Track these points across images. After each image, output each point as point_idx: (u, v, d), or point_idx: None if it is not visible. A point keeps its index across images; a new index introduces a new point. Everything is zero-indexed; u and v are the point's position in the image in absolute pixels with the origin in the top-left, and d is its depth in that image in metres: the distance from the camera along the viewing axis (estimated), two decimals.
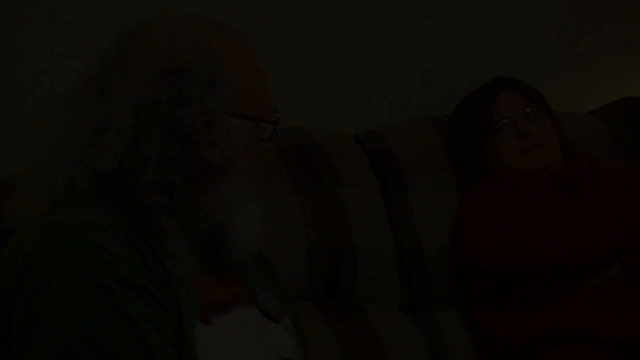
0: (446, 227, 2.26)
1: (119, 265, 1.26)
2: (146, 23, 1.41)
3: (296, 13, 2.44)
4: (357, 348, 2.10)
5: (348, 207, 2.19)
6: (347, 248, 2.17)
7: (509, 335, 2.13)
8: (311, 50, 2.46)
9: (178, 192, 1.33)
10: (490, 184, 2.27)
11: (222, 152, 1.36)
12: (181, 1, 1.98)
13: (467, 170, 2.32)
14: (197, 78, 1.34)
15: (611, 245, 2.11)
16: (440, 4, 2.59)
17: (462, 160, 2.33)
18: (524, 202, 2.20)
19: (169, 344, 1.27)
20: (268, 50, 2.39)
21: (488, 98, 2.31)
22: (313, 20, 2.46)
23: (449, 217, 2.27)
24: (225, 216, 1.38)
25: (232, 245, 1.40)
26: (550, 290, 2.12)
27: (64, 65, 2.11)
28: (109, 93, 1.36)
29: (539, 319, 2.10)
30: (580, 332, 2.06)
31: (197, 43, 1.37)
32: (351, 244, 2.17)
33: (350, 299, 2.18)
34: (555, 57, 2.71)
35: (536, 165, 2.27)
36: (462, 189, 2.30)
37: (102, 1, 2.21)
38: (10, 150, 2.03)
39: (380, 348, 2.13)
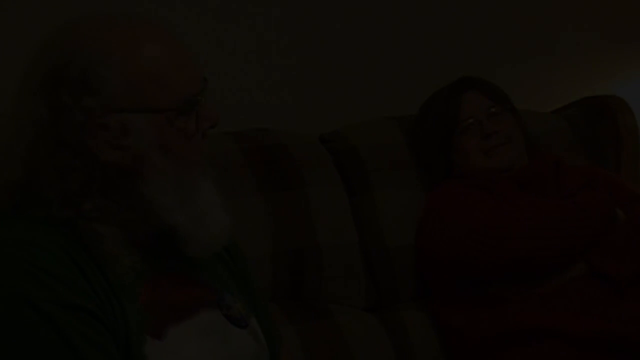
0: (411, 226, 2.26)
1: (59, 286, 1.22)
2: (52, 28, 1.35)
3: (262, 14, 2.43)
4: (322, 349, 2.09)
5: (313, 207, 2.19)
6: (312, 248, 2.16)
7: (474, 333, 2.14)
8: (277, 51, 2.46)
9: (87, 200, 1.28)
10: (454, 183, 2.27)
11: (126, 152, 1.30)
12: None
13: (432, 169, 2.32)
14: (71, 81, 1.28)
15: (574, 243, 2.12)
16: (406, 2, 2.58)
17: (427, 160, 2.33)
18: (488, 200, 2.20)
19: None
20: (233, 50, 2.39)
21: (453, 98, 2.32)
22: (279, 21, 2.45)
23: (414, 217, 2.26)
24: (161, 214, 1.31)
25: (181, 243, 1.34)
26: (516, 288, 2.13)
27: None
28: (16, 108, 1.32)
29: (504, 316, 2.11)
30: (546, 329, 2.06)
31: (75, 44, 1.30)
32: (316, 244, 2.16)
33: (315, 300, 2.17)
34: (520, 57, 2.72)
35: (501, 165, 2.27)
36: (427, 189, 2.30)
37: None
38: None
39: (346, 349, 2.12)
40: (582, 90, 2.70)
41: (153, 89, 1.30)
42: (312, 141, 2.30)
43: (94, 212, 1.28)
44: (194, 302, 1.36)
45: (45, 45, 1.32)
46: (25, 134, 1.29)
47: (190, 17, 2.34)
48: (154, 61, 1.31)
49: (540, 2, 2.75)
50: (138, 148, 1.30)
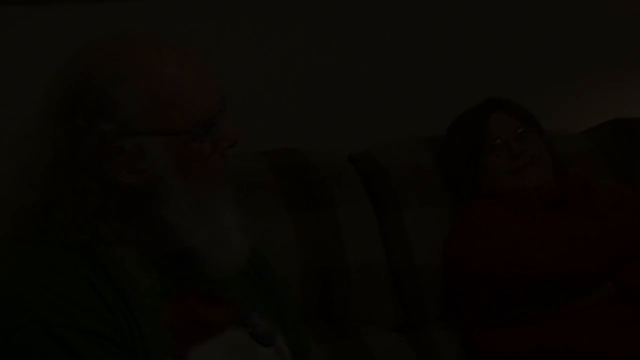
0: (439, 246, 2.26)
1: (76, 311, 1.22)
2: (72, 51, 1.35)
3: (290, 34, 2.45)
4: None
5: (342, 227, 2.19)
6: (341, 268, 2.17)
7: (502, 352, 2.13)
8: (305, 71, 2.47)
9: (105, 223, 1.28)
10: (483, 203, 2.27)
11: (143, 175, 1.29)
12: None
13: (460, 189, 2.33)
14: (86, 105, 1.28)
15: (603, 263, 2.11)
16: (435, 25, 2.60)
17: (455, 180, 2.33)
18: (516, 220, 2.20)
19: None
20: (262, 70, 2.41)
21: (481, 118, 2.32)
22: (308, 42, 2.47)
23: (442, 236, 2.27)
24: (180, 236, 1.31)
25: (203, 263, 1.33)
26: (544, 308, 2.13)
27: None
28: (35, 131, 1.33)
29: (533, 336, 2.10)
30: (574, 351, 2.06)
31: (92, 68, 1.30)
32: (345, 264, 2.17)
33: (344, 319, 2.18)
34: (548, 79, 2.72)
35: (528, 184, 2.27)
36: (455, 208, 2.31)
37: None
38: None
39: None
40: (612, 112, 2.70)
41: (168, 111, 1.30)
42: (341, 161, 2.31)
43: (111, 235, 1.29)
44: (218, 321, 1.36)
45: (64, 69, 1.33)
46: (44, 158, 1.30)
47: (219, 36, 2.36)
48: (169, 84, 1.30)
49: (570, 25, 2.75)
50: (154, 171, 1.29)
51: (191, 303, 1.35)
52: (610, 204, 2.26)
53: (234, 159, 1.41)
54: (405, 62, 2.57)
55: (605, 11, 2.78)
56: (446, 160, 2.36)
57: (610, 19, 2.78)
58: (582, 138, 2.59)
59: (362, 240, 2.22)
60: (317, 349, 2.04)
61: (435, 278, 2.26)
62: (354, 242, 2.20)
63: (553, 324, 2.11)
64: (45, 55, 2.09)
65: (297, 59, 2.46)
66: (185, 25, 2.30)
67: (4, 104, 2.14)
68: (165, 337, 1.29)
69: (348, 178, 2.28)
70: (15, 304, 1.23)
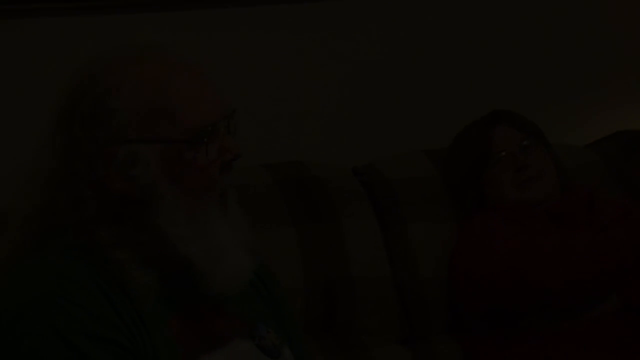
0: (444, 258, 2.26)
1: (88, 319, 1.23)
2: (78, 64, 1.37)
3: (295, 46, 2.45)
4: None
5: (346, 240, 2.19)
6: (345, 280, 2.16)
7: None
8: (310, 84, 2.47)
9: (102, 227, 1.29)
10: (487, 216, 2.27)
11: (135, 182, 1.30)
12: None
13: (465, 202, 2.32)
14: (82, 114, 1.30)
15: (608, 277, 2.11)
16: (439, 37, 2.60)
17: (459, 193, 2.33)
18: (520, 234, 2.20)
19: None
20: (266, 83, 2.42)
21: (485, 131, 2.32)
22: (312, 54, 2.47)
23: (447, 249, 2.26)
24: (175, 245, 1.31)
25: (198, 278, 1.33)
26: (548, 323, 2.12)
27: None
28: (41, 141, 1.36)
29: (536, 352, 2.10)
30: None
31: (90, 78, 1.32)
32: (349, 277, 2.17)
33: (348, 332, 2.17)
34: (553, 90, 2.72)
35: (533, 198, 2.27)
36: (459, 221, 2.30)
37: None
38: None
39: None
40: (616, 124, 2.70)
41: (162, 120, 1.30)
42: (345, 174, 2.32)
43: (109, 238, 1.29)
44: (225, 333, 1.36)
45: (70, 80, 1.35)
46: (46, 166, 1.32)
47: (222, 47, 2.36)
48: (164, 93, 1.31)
49: (575, 37, 2.75)
50: (146, 178, 1.30)
51: (197, 314, 1.35)
52: (615, 217, 2.26)
53: (238, 171, 1.41)
54: (410, 75, 2.57)
55: (611, 23, 2.78)
56: (450, 173, 2.35)
57: (616, 31, 2.78)
58: (587, 151, 2.59)
59: (367, 252, 2.22)
60: None
61: (440, 291, 2.26)
62: (359, 254, 2.20)
63: (557, 338, 2.10)
64: (49, 67, 2.11)
65: (301, 71, 2.46)
66: (188, 37, 2.30)
67: (11, 112, 2.14)
68: (173, 346, 1.29)
69: (352, 191, 2.28)
70: (26, 310, 1.23)
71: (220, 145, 1.34)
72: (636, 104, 2.80)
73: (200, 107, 1.33)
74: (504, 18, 2.67)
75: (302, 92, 2.47)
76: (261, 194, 2.17)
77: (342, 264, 2.17)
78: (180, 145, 1.31)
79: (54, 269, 1.27)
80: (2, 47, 2.16)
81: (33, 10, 2.17)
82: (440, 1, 2.60)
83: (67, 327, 1.22)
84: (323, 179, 2.25)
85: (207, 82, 1.35)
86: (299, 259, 2.13)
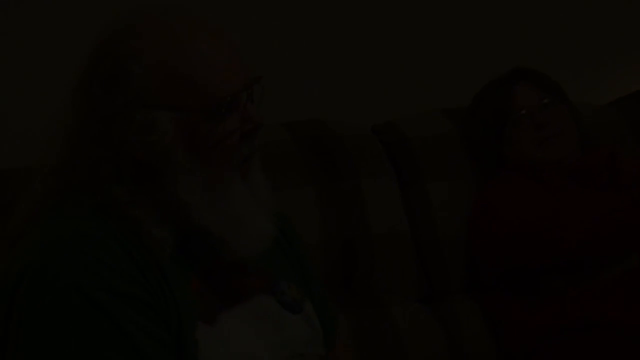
0: (463, 217, 2.25)
1: (109, 274, 1.23)
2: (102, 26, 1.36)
3: (314, 5, 2.44)
4: (373, 339, 2.10)
5: (365, 198, 2.19)
6: (364, 239, 2.17)
7: (527, 325, 2.13)
8: (329, 42, 2.46)
9: (119, 186, 1.29)
10: (507, 175, 2.26)
11: (152, 148, 1.29)
12: None
13: (484, 161, 2.32)
14: (103, 75, 1.29)
15: (628, 235, 2.10)
16: None
17: (478, 152, 2.32)
18: (541, 192, 2.19)
19: (168, 352, 1.23)
20: (286, 42, 2.41)
21: (505, 89, 2.31)
22: (330, 12, 2.46)
23: (466, 208, 2.26)
24: (191, 214, 1.30)
25: (217, 245, 1.32)
26: (569, 281, 2.12)
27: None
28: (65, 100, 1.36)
29: (557, 309, 2.10)
30: (600, 322, 2.06)
31: (113, 40, 1.31)
32: (368, 235, 2.17)
33: (367, 290, 2.18)
34: (574, 48, 2.70)
35: (553, 156, 2.26)
36: (478, 180, 2.30)
37: None
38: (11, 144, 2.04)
39: (397, 338, 2.13)
40: (638, 82, 2.68)
41: (182, 87, 1.29)
42: (364, 132, 2.31)
43: (126, 196, 1.29)
44: (246, 288, 1.37)
45: (95, 41, 1.34)
46: (67, 125, 1.32)
47: (241, 7, 2.35)
48: (186, 60, 1.29)
49: None
50: (162, 145, 1.29)
51: (218, 271, 1.35)
52: (636, 175, 2.25)
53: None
54: (430, 33, 2.56)
55: None
56: (470, 132, 2.34)
57: None
58: (608, 109, 2.57)
59: (386, 211, 2.21)
60: (341, 320, 2.04)
61: (458, 249, 2.26)
62: (378, 213, 2.19)
63: (576, 296, 2.10)
64: (75, 24, 2.11)
65: (321, 30, 2.45)
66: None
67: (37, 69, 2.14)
68: (194, 301, 1.29)
69: (372, 149, 2.27)
70: (50, 269, 1.24)
71: (241, 114, 1.32)
72: None
73: (223, 76, 1.31)
74: None
75: (321, 50, 2.46)
76: (280, 152, 2.17)
77: (361, 222, 2.17)
78: (198, 114, 1.30)
79: (75, 226, 1.27)
80: (24, 6, 2.15)
81: None
82: None
83: (88, 283, 1.22)
84: (342, 137, 2.24)
85: (232, 48, 1.33)
86: (318, 217, 2.13)
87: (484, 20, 2.60)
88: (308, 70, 2.44)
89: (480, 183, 2.29)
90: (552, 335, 2.10)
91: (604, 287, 2.10)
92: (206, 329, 1.28)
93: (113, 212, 1.29)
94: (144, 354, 1.21)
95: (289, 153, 2.17)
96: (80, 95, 1.32)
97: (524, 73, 2.33)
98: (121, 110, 1.29)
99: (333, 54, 2.47)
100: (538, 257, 2.12)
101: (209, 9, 1.44)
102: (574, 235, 2.10)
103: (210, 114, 1.30)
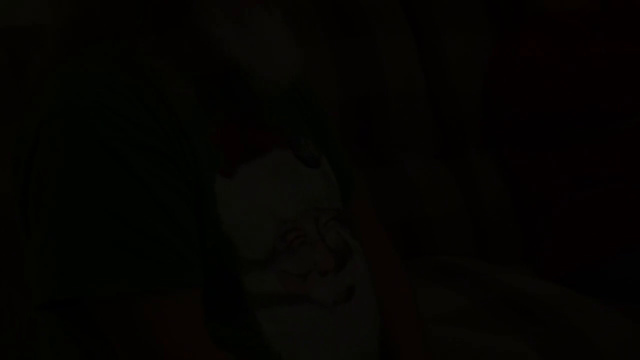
0: (480, 71, 2.24)
1: (127, 125, 1.21)
2: None
3: None
4: (390, 193, 2.12)
5: (380, 54, 2.17)
6: (380, 95, 2.16)
7: (545, 178, 2.14)
8: None
9: (140, 35, 1.25)
10: (526, 27, 2.23)
11: None
12: None
13: (502, 14, 2.29)
14: None
15: None
16: None
17: (496, 4, 2.29)
18: (560, 44, 2.17)
19: (186, 204, 1.23)
20: None
21: None
22: None
23: (483, 62, 2.24)
24: (220, 47, 1.26)
25: (247, 77, 1.29)
26: (586, 133, 2.12)
27: None
28: None
29: (571, 161, 2.11)
30: (615, 173, 2.07)
31: None
32: (384, 91, 2.16)
33: (382, 146, 2.18)
34: None
35: (573, 6, 2.22)
36: (496, 35, 2.27)
37: None
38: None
39: (414, 193, 2.14)
40: None
41: None
42: None
43: (147, 46, 1.26)
44: (265, 142, 1.35)
45: None
46: None
47: None
48: None
49: None
50: None
51: (237, 125, 1.34)
52: None
53: None
54: None
55: None
56: None
57: None
58: None
59: (402, 67, 2.20)
60: (358, 177, 2.05)
61: (475, 104, 2.25)
62: (393, 69, 2.18)
63: (592, 148, 2.11)
64: None
65: None
66: None
67: None
68: (213, 153, 1.28)
69: (387, 4, 2.24)
70: (69, 120, 1.22)
71: None
72: None
73: None
74: None
75: None
76: (295, 10, 2.14)
77: (376, 78, 2.16)
78: None
79: (92, 76, 1.25)
80: None
81: None
82: None
83: (106, 133, 1.20)
84: None
85: None
86: (334, 74, 2.12)
87: None
88: None
89: (499, 37, 2.26)
90: (572, 188, 2.11)
91: (619, 140, 2.10)
92: (225, 182, 1.28)
93: (133, 64, 1.26)
94: (162, 204, 1.21)
95: (302, 10, 2.14)
96: None
97: None
98: None
99: None
100: (555, 108, 2.11)
101: None
102: (590, 85, 2.08)
103: None
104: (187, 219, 1.23)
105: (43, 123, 1.23)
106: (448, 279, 1.96)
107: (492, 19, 2.29)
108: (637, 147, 2.09)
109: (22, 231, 1.27)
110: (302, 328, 1.29)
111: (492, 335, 1.74)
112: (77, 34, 1.29)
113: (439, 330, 1.67)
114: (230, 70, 1.31)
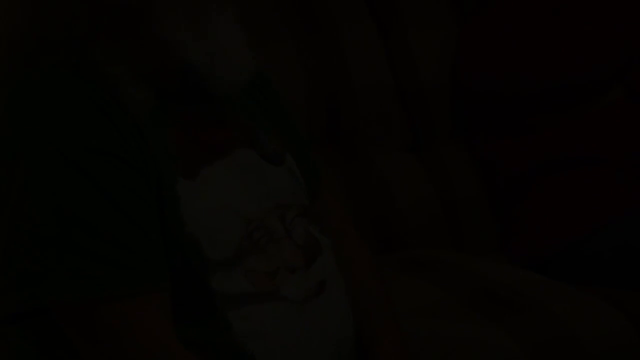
0: (446, 63, 2.23)
1: (86, 133, 1.21)
2: None
3: None
4: (361, 189, 2.11)
5: (346, 50, 2.17)
6: (347, 91, 2.15)
7: (514, 163, 2.14)
8: None
9: (95, 44, 1.25)
10: (487, 13, 2.22)
11: None
12: None
13: (466, 8, 2.28)
14: None
15: (612, 64, 2.09)
16: None
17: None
18: (522, 29, 2.16)
19: (147, 207, 1.23)
20: None
21: None
22: None
23: (448, 53, 2.24)
24: (176, 51, 1.27)
25: (203, 80, 1.30)
26: (554, 116, 2.12)
27: None
28: None
29: (542, 144, 2.11)
30: (585, 156, 2.07)
31: None
32: (351, 87, 2.15)
33: (352, 143, 2.17)
34: None
35: None
36: (459, 25, 2.26)
37: None
38: None
39: (386, 188, 2.14)
40: None
41: None
42: None
43: (103, 53, 1.26)
44: (226, 142, 1.35)
45: None
46: None
47: None
48: None
49: None
50: None
51: (197, 126, 1.34)
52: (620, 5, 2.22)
53: None
54: None
55: None
56: None
57: None
58: None
59: (368, 62, 2.19)
60: (326, 172, 2.04)
61: (442, 97, 2.24)
62: (359, 64, 2.17)
63: (562, 130, 2.11)
64: None
65: None
66: None
67: None
68: (173, 156, 1.28)
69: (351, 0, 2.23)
70: (21, 130, 1.22)
71: None
72: None
73: None
74: None
75: None
76: (258, 8, 2.13)
77: (343, 74, 2.15)
78: None
79: (47, 85, 1.25)
80: None
81: None
82: None
83: (63, 143, 1.20)
84: None
85: None
86: (299, 71, 2.11)
87: None
88: None
89: (463, 26, 2.26)
90: (547, 171, 2.10)
91: (588, 121, 2.10)
92: (187, 184, 1.27)
93: (89, 72, 1.26)
94: (121, 208, 1.21)
95: (265, 8, 2.13)
96: None
97: None
98: None
99: None
100: (521, 90, 2.11)
101: None
102: (554, 64, 2.08)
103: None
104: (148, 222, 1.23)
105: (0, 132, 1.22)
106: (423, 272, 1.96)
107: (457, 13, 2.28)
108: (611, 126, 2.09)
109: None
110: (274, 326, 1.28)
111: (471, 326, 1.73)
112: (31, 43, 1.28)
113: (415, 323, 1.65)
114: (186, 73, 1.30)
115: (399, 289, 1.75)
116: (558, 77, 2.09)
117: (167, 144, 1.28)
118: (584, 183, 2.06)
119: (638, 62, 2.10)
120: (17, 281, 1.19)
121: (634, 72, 2.11)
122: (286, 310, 1.29)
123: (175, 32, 1.27)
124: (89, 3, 1.26)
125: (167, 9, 1.27)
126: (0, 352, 1.30)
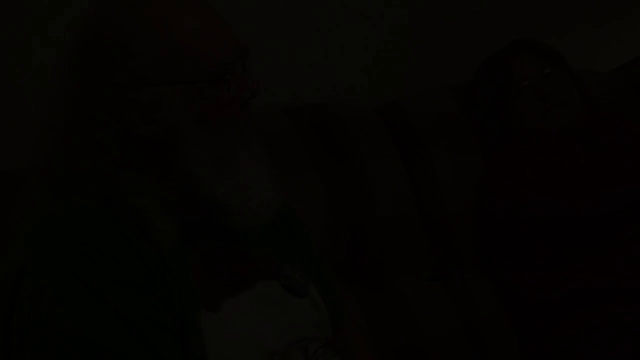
0: (470, 193, 2.24)
1: (109, 263, 1.23)
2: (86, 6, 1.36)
3: None
4: (387, 320, 2.09)
5: (371, 180, 2.18)
6: (372, 220, 2.15)
7: (540, 296, 2.12)
8: (328, 24, 2.44)
9: (123, 175, 1.28)
10: (512, 146, 2.24)
11: (159, 125, 1.29)
12: None
13: (489, 134, 2.30)
14: (101, 58, 1.29)
15: (637, 199, 2.09)
16: None
17: (483, 125, 2.31)
18: (547, 161, 2.17)
19: (171, 338, 1.23)
20: (286, 25, 2.38)
21: (506, 61, 2.29)
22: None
23: (473, 183, 2.24)
24: (201, 186, 1.30)
25: (226, 215, 1.33)
26: (579, 249, 2.11)
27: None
28: (54, 90, 1.35)
29: (570, 277, 2.09)
30: (611, 289, 2.04)
31: (106, 21, 1.31)
32: (376, 216, 2.15)
33: (378, 272, 2.16)
34: (576, 15, 2.68)
35: (558, 125, 2.24)
36: (484, 155, 2.28)
37: None
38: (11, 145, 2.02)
39: (412, 319, 2.11)
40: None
41: (182, 61, 1.30)
42: (367, 113, 2.29)
43: (131, 185, 1.29)
44: (250, 274, 1.36)
45: (79, 24, 1.34)
46: (62, 115, 1.31)
47: None
48: (182, 33, 1.30)
49: None
50: (170, 120, 1.29)
51: (221, 258, 1.35)
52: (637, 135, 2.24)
53: (257, 117, 1.40)
54: (429, 11, 2.54)
55: None
56: (474, 107, 2.33)
57: None
58: (613, 76, 2.55)
59: (393, 191, 2.20)
60: (351, 302, 2.03)
61: (468, 226, 2.24)
62: (384, 194, 2.18)
63: (589, 264, 2.09)
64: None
65: (319, 9, 2.43)
66: None
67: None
68: (197, 289, 1.29)
69: (375, 130, 2.26)
70: (49, 260, 1.23)
71: (238, 83, 1.34)
72: None
73: (218, 45, 1.33)
74: None
75: (320, 32, 2.44)
76: (282, 139, 2.15)
77: (368, 204, 2.16)
78: (202, 84, 1.31)
79: (74, 217, 1.27)
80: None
81: None
82: None
83: (89, 274, 1.22)
84: (345, 119, 2.22)
85: (220, 20, 1.35)
86: (325, 202, 2.12)
87: None
88: (309, 53, 2.42)
89: (487, 157, 2.27)
90: (564, 305, 2.08)
91: (613, 255, 2.08)
92: (210, 317, 1.28)
93: (116, 202, 1.28)
94: (145, 340, 1.21)
95: (290, 139, 2.16)
96: (76, 84, 1.31)
97: (523, 44, 2.32)
98: (123, 92, 1.29)
99: (334, 34, 2.45)
100: (546, 225, 2.11)
101: None
102: (581, 200, 2.08)
103: (214, 81, 1.31)
104: (172, 354, 1.23)
105: (25, 267, 1.24)
106: None
107: (481, 141, 2.30)
108: (630, 262, 2.07)
109: None
110: None
111: None
112: (61, 173, 1.31)
113: None
114: (211, 208, 1.32)
115: None
116: (582, 210, 2.09)
117: (191, 276, 1.29)
118: (613, 318, 2.03)
119: None
120: None
121: None
122: None
123: (201, 167, 1.30)
124: (119, 135, 1.29)
125: (193, 144, 1.30)
126: None
